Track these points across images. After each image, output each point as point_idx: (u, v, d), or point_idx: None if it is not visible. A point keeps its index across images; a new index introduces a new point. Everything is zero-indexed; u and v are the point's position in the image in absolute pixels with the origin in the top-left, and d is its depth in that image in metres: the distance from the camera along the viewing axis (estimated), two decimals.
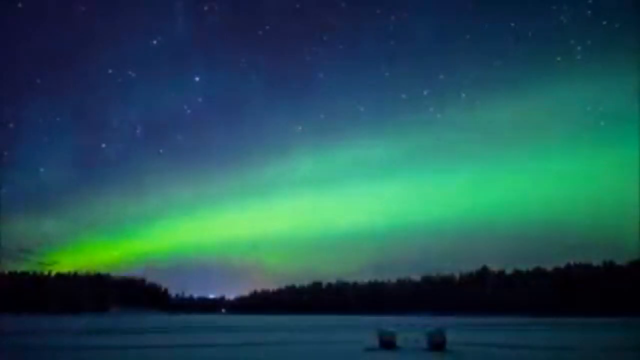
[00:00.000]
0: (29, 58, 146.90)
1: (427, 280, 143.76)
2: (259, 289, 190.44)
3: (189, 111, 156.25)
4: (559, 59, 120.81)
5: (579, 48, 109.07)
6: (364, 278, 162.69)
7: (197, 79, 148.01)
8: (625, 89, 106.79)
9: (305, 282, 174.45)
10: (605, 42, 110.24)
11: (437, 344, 18.41)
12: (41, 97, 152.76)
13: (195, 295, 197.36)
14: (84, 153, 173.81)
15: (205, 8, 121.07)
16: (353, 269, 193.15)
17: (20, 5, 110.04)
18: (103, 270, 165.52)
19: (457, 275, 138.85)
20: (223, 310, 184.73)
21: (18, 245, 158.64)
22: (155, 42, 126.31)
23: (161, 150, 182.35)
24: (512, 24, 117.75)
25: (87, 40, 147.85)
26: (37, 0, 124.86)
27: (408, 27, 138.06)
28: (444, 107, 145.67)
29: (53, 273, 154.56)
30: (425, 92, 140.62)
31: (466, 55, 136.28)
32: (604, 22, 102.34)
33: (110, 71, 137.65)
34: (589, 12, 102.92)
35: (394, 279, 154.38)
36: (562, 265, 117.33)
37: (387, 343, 19.19)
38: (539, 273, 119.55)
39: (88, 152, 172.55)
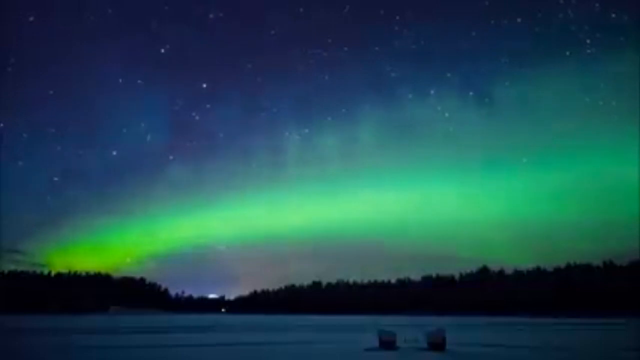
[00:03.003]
0: (41, 70, 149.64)
1: (427, 280, 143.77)
2: (259, 289, 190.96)
3: (197, 117, 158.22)
4: (568, 53, 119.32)
5: (588, 42, 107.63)
6: (364, 278, 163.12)
7: (204, 85, 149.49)
8: (637, 82, 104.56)
9: (305, 282, 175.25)
10: (615, 35, 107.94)
11: (436, 344, 18.38)
12: (54, 108, 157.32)
13: (195, 295, 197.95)
14: (96, 161, 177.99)
15: (211, 16, 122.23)
16: (353, 269, 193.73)
17: (31, 19, 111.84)
18: (103, 270, 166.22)
19: (457, 275, 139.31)
20: (223, 310, 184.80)
21: (13, 246, 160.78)
22: (163, 50, 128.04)
23: (171, 157, 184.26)
24: (519, 20, 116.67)
25: (96, 51, 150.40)
26: (47, 14, 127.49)
27: (412, 26, 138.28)
28: (452, 105, 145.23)
29: (53, 273, 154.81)
30: (432, 91, 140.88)
31: (473, 52, 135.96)
32: (613, 15, 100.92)
33: (120, 80, 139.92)
34: (597, 5, 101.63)
35: (394, 279, 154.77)
36: (562, 265, 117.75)
37: (387, 343, 19.16)
38: (539, 273, 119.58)
39: (99, 159, 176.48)
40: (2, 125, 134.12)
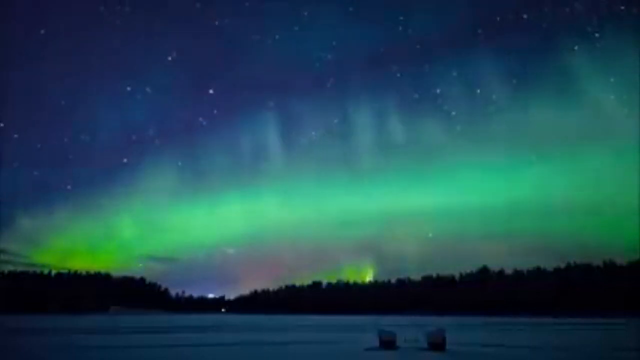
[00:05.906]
0: (53, 82, 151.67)
1: (427, 280, 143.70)
2: (259, 289, 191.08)
3: (204, 123, 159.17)
4: (576, 48, 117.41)
5: (596, 35, 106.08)
6: (364, 278, 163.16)
7: (211, 91, 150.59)
8: None
9: (305, 282, 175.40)
10: (624, 27, 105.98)
11: (436, 344, 18.38)
12: (65, 118, 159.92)
13: (195, 295, 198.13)
14: (106, 169, 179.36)
15: (217, 23, 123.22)
16: (353, 269, 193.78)
17: (42, 32, 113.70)
18: (103, 270, 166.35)
19: (457, 275, 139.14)
20: (223, 310, 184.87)
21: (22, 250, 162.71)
22: (170, 58, 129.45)
23: (180, 163, 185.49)
24: (525, 16, 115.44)
25: (105, 61, 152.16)
26: (57, 27, 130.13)
27: (417, 25, 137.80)
28: (458, 104, 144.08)
29: (53, 273, 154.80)
30: (438, 91, 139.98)
31: (478, 50, 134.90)
32: (622, 7, 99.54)
33: (128, 88, 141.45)
34: None
35: (394, 279, 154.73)
36: (562, 265, 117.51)
37: (387, 343, 19.17)
38: (539, 273, 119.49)
39: (110, 167, 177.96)
40: (16, 136, 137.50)
